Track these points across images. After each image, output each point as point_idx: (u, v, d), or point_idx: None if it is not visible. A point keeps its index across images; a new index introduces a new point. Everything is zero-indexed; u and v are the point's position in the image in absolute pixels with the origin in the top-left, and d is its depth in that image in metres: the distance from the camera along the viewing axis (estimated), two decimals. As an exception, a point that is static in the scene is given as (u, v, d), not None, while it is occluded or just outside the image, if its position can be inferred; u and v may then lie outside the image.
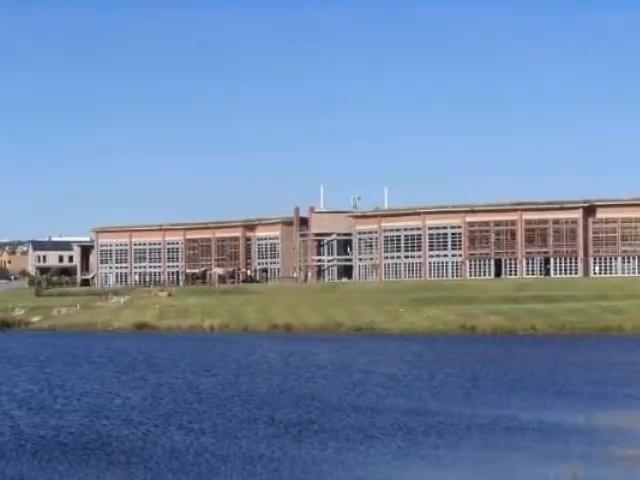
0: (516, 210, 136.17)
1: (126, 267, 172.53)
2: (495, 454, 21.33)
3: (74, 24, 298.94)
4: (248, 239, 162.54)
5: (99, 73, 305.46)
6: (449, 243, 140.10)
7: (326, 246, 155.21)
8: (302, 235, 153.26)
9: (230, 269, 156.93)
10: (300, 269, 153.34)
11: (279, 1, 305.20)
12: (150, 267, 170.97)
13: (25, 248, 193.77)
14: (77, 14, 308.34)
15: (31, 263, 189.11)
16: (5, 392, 38.22)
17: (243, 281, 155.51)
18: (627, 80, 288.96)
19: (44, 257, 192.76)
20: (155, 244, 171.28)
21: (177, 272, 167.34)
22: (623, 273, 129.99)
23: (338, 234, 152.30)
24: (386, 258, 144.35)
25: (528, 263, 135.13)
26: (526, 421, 26.42)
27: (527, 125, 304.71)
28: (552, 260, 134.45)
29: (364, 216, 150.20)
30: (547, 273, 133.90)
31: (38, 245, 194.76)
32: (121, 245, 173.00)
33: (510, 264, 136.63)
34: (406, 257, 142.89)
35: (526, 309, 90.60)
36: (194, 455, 21.06)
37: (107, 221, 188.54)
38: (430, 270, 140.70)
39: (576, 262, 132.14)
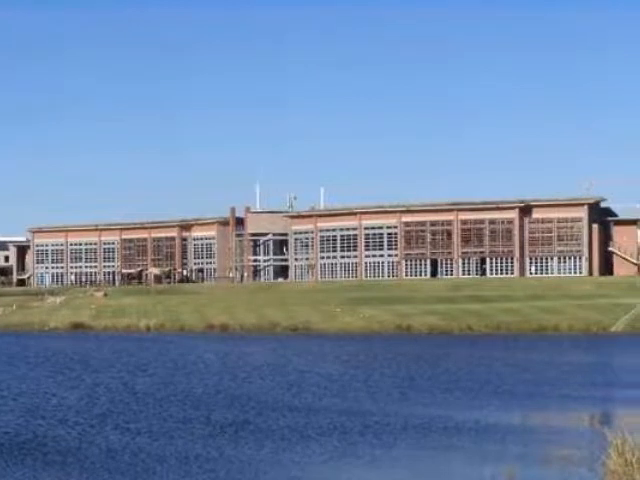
0: (452, 210, 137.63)
1: (62, 267, 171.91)
2: (431, 454, 21.17)
3: (6, 22, 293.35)
4: (184, 239, 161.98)
5: (35, 72, 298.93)
6: (385, 243, 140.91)
7: (262, 246, 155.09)
8: (238, 235, 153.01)
9: (166, 269, 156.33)
10: (236, 269, 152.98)
11: (218, 1, 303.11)
12: (86, 267, 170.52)
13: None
14: (11, 12, 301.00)
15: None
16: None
17: (179, 281, 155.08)
18: (563, 81, 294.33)
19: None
20: (91, 244, 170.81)
21: (113, 272, 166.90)
22: (559, 273, 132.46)
23: (274, 234, 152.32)
24: (322, 258, 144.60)
25: (464, 263, 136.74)
26: (462, 421, 26.30)
27: (463, 125, 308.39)
28: (488, 260, 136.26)
29: (300, 216, 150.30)
30: (483, 273, 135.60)
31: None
32: (57, 245, 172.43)
33: (446, 264, 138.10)
34: (342, 257, 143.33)
35: (462, 309, 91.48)
36: (130, 455, 20.62)
37: (43, 221, 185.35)
38: (366, 270, 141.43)
39: (512, 262, 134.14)
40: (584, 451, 20.45)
